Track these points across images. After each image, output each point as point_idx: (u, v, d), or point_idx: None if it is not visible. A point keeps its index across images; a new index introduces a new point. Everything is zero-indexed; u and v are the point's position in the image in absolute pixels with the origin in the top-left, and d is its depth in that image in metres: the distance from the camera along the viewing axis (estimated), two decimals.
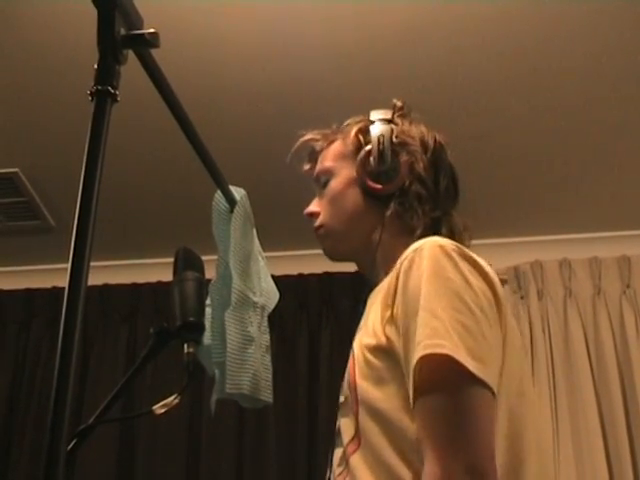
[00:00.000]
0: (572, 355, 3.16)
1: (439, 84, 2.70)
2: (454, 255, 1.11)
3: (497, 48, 2.57)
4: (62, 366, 0.80)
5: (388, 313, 1.13)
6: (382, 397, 1.12)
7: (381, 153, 1.31)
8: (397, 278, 1.14)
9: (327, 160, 1.41)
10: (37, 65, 2.62)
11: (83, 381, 3.30)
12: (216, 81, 2.69)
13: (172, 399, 1.24)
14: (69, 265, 0.85)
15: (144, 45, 1.03)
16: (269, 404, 1.53)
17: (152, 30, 1.02)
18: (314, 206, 1.42)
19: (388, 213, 1.30)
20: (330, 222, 1.38)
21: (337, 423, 1.23)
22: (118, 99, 0.96)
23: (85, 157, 0.91)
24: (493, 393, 1.03)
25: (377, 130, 1.34)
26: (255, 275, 1.56)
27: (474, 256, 1.15)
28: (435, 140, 1.36)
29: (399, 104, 1.41)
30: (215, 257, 1.53)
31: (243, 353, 1.46)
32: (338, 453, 1.20)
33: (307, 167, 1.47)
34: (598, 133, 2.93)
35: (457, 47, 2.57)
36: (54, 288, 3.44)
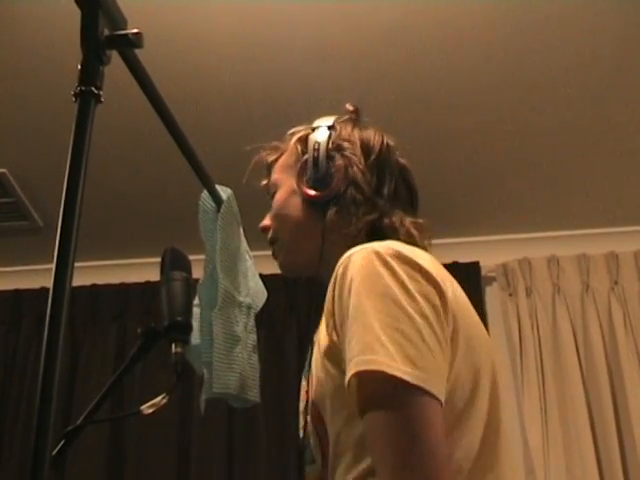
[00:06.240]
0: (561, 352, 3.18)
1: (428, 83, 2.71)
2: (390, 260, 1.06)
3: (485, 46, 2.58)
4: (47, 367, 0.80)
5: (332, 321, 1.09)
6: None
7: (315, 160, 1.29)
8: (333, 286, 1.10)
9: (275, 172, 1.39)
10: (22, 66, 2.61)
11: (72, 381, 3.29)
12: (202, 81, 2.68)
13: (160, 399, 1.24)
14: (54, 265, 0.85)
15: (128, 45, 1.03)
16: (257, 403, 1.53)
17: (136, 30, 1.02)
18: (266, 220, 1.40)
19: (327, 220, 1.26)
20: (278, 234, 1.36)
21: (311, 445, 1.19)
22: (102, 100, 0.96)
23: (69, 158, 0.91)
24: (439, 400, 0.98)
25: (314, 137, 1.32)
26: (241, 274, 1.57)
27: (415, 258, 1.08)
28: (382, 143, 1.32)
29: (350, 108, 1.38)
30: (203, 257, 1.53)
31: (229, 353, 1.46)
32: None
33: (264, 182, 1.45)
34: (586, 131, 2.94)
35: (446, 46, 2.57)
36: (42, 288, 3.43)
